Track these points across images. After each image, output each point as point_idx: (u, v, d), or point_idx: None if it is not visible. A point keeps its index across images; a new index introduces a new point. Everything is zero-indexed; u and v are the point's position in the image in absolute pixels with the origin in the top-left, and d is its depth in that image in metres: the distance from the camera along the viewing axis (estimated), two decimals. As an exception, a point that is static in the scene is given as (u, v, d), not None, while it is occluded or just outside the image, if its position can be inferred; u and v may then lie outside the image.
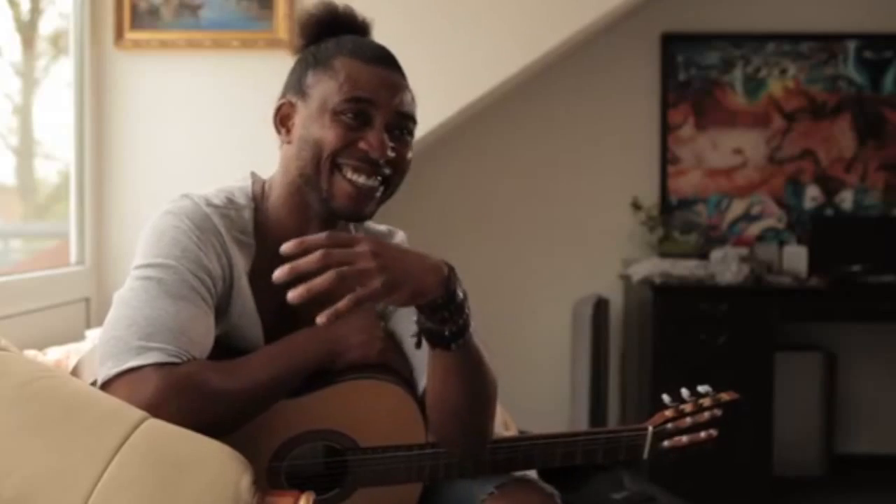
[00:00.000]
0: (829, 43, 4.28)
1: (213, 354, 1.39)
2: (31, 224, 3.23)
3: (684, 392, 1.68)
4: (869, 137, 4.30)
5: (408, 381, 1.51)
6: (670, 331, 3.78)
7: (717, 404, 1.67)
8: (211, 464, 1.25)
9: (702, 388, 1.69)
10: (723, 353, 3.70)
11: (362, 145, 1.43)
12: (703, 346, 3.72)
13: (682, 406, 1.66)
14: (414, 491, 1.51)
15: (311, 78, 1.47)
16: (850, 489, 4.04)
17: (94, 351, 1.46)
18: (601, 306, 4.09)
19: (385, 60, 1.50)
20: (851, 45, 4.28)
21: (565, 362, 4.27)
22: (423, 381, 1.49)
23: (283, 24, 3.06)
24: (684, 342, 3.73)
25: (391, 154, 1.44)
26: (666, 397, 1.67)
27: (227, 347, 1.43)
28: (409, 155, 1.50)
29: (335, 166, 1.43)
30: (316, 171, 1.44)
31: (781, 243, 4.23)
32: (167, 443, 1.25)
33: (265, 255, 1.46)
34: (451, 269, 1.33)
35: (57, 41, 3.20)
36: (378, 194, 1.46)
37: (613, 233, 4.32)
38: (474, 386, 1.41)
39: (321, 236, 1.25)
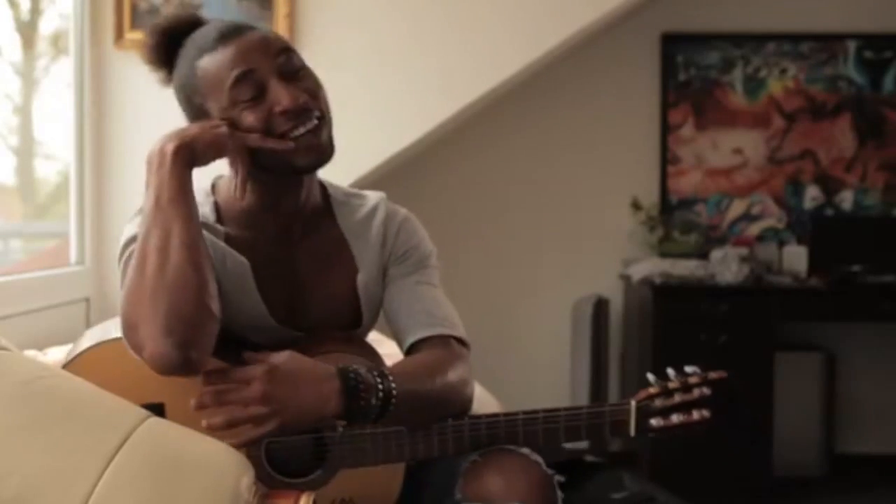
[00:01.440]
0: (829, 43, 4.28)
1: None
2: (31, 224, 3.23)
3: (670, 371, 1.65)
4: (869, 137, 4.30)
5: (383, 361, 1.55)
6: (670, 331, 3.78)
7: (704, 382, 1.64)
8: (211, 464, 1.25)
9: (689, 369, 1.66)
10: (723, 353, 3.69)
11: (277, 109, 1.45)
12: (703, 346, 3.72)
13: (667, 384, 1.63)
14: (398, 471, 1.52)
15: (196, 98, 1.49)
16: (850, 489, 4.03)
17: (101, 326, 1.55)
18: (601, 306, 4.09)
19: (230, 32, 1.50)
20: (851, 45, 4.28)
21: (565, 362, 4.27)
22: (406, 341, 1.57)
23: (283, 24, 3.06)
24: (684, 342, 3.73)
25: (303, 96, 1.47)
26: (650, 376, 1.65)
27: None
28: (317, 80, 1.53)
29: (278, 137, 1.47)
30: (264, 159, 1.48)
31: (781, 243, 4.23)
32: (167, 443, 1.25)
33: (239, 235, 1.54)
34: (345, 372, 1.39)
35: (57, 41, 3.20)
36: (324, 131, 1.51)
37: (613, 233, 4.32)
38: (425, 412, 1.49)
39: (220, 372, 1.37)
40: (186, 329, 1.33)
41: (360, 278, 1.60)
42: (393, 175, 3.93)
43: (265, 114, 1.45)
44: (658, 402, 1.61)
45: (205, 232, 1.45)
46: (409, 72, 3.20)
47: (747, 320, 3.77)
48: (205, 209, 1.53)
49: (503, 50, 3.23)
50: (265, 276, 1.54)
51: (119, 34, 3.06)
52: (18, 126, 3.13)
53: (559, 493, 1.47)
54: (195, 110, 1.50)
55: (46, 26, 3.24)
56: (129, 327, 1.36)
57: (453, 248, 4.32)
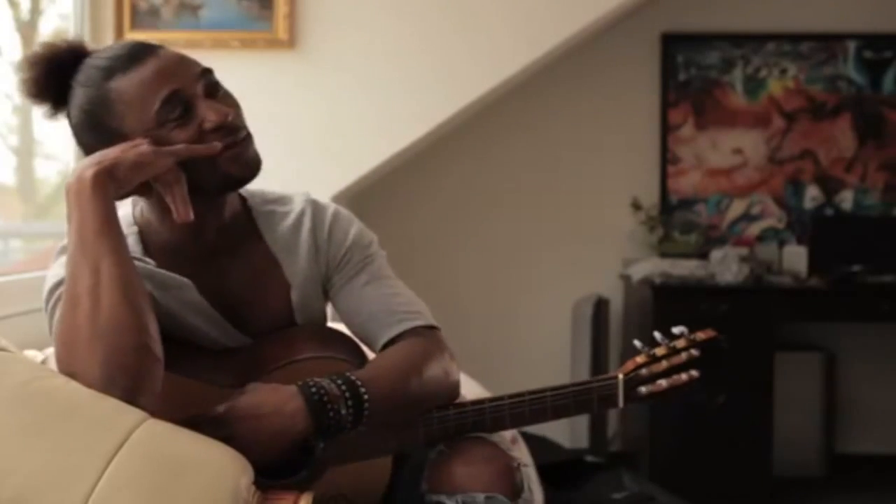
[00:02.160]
0: (829, 43, 4.28)
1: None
2: (31, 224, 3.23)
3: (657, 335, 1.63)
4: (869, 137, 4.30)
5: (342, 353, 1.52)
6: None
7: (693, 345, 1.62)
8: (210, 464, 1.25)
9: (676, 330, 1.65)
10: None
11: (206, 125, 1.40)
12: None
13: (654, 350, 1.62)
14: (385, 464, 1.52)
15: (111, 121, 1.39)
16: (850, 489, 4.04)
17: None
18: (601, 306, 4.09)
19: (142, 51, 1.41)
20: (851, 45, 4.28)
21: (565, 362, 4.27)
22: (377, 344, 1.53)
23: (282, 24, 3.06)
24: (684, 342, 3.72)
25: (230, 111, 1.42)
26: (637, 343, 1.63)
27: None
28: (234, 97, 1.47)
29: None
30: (197, 173, 1.40)
31: (781, 243, 4.23)
32: (167, 443, 1.25)
33: (167, 266, 1.47)
34: (307, 388, 1.37)
35: (57, 41, 3.20)
36: (252, 143, 1.45)
37: (613, 233, 4.32)
38: (407, 410, 1.47)
39: (193, 420, 1.33)
40: (129, 378, 1.26)
41: (294, 295, 1.54)
42: (393, 175, 3.93)
43: (195, 131, 1.39)
44: (645, 371, 1.60)
45: (137, 263, 1.37)
46: (409, 72, 3.20)
47: (747, 320, 3.77)
48: (129, 241, 1.43)
49: (503, 50, 3.23)
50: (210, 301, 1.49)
51: (119, 34, 3.07)
52: (18, 126, 3.13)
53: (524, 481, 1.45)
54: (108, 134, 1.39)
55: (46, 26, 3.24)
56: (65, 377, 1.28)
57: (453, 248, 4.32)
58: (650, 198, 4.29)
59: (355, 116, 3.11)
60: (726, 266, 3.89)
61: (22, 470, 1.18)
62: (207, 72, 1.44)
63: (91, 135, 1.42)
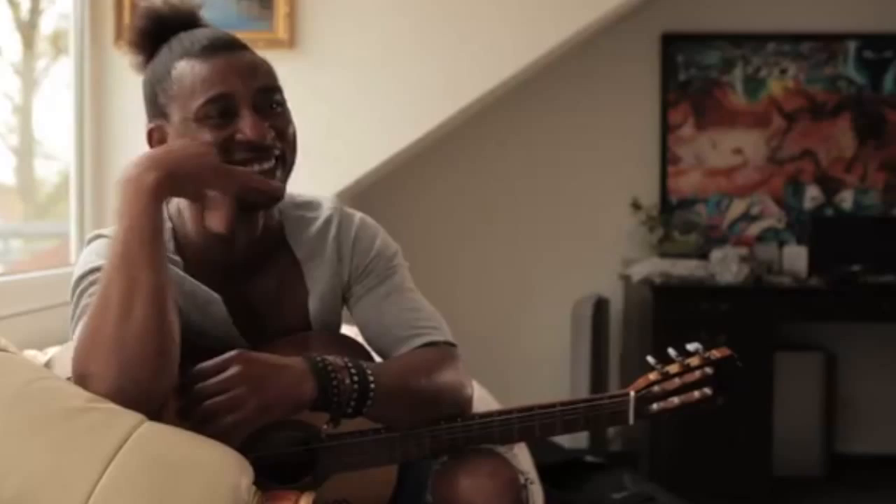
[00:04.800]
0: (829, 43, 4.28)
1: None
2: (31, 224, 3.23)
3: (671, 352, 1.61)
4: (869, 137, 4.30)
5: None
6: (670, 331, 3.78)
7: (707, 363, 1.60)
8: (210, 465, 1.25)
9: (691, 347, 1.62)
10: (723, 353, 3.68)
11: (240, 136, 1.39)
12: (703, 347, 3.71)
13: (667, 368, 1.59)
14: (391, 472, 1.50)
15: (161, 97, 1.43)
16: (850, 489, 4.03)
17: (69, 347, 1.47)
18: (601, 306, 4.09)
19: (221, 46, 1.42)
20: (851, 45, 4.28)
21: (565, 362, 4.27)
22: (392, 356, 1.52)
23: (282, 24, 3.06)
24: (684, 342, 3.71)
25: (270, 133, 1.41)
26: (651, 359, 1.60)
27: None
28: (291, 124, 1.47)
29: None
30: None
31: (781, 243, 4.23)
32: (166, 444, 1.25)
33: (196, 269, 1.47)
34: (314, 361, 1.36)
35: (57, 41, 3.20)
36: (279, 173, 1.44)
37: (613, 233, 4.32)
38: (415, 411, 1.44)
39: (198, 369, 1.31)
40: (139, 391, 1.26)
41: (312, 302, 1.53)
42: (393, 175, 3.93)
43: (225, 137, 1.39)
44: (658, 388, 1.57)
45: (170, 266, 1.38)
46: (409, 72, 3.20)
47: (747, 320, 3.77)
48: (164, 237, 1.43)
49: (503, 50, 3.23)
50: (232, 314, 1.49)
51: (119, 34, 3.06)
52: (18, 126, 3.12)
53: (529, 495, 1.44)
54: (154, 107, 1.44)
55: (46, 26, 3.24)
56: (78, 377, 1.28)
57: (453, 248, 4.32)
58: (650, 198, 4.29)
59: (355, 116, 3.10)
60: (726, 266, 3.89)
61: (22, 470, 1.18)
62: (271, 90, 1.44)
63: (146, 100, 1.45)
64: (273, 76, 1.46)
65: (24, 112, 3.13)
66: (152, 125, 1.46)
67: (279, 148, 1.43)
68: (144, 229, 1.28)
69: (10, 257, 3.17)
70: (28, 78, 3.15)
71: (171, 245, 1.46)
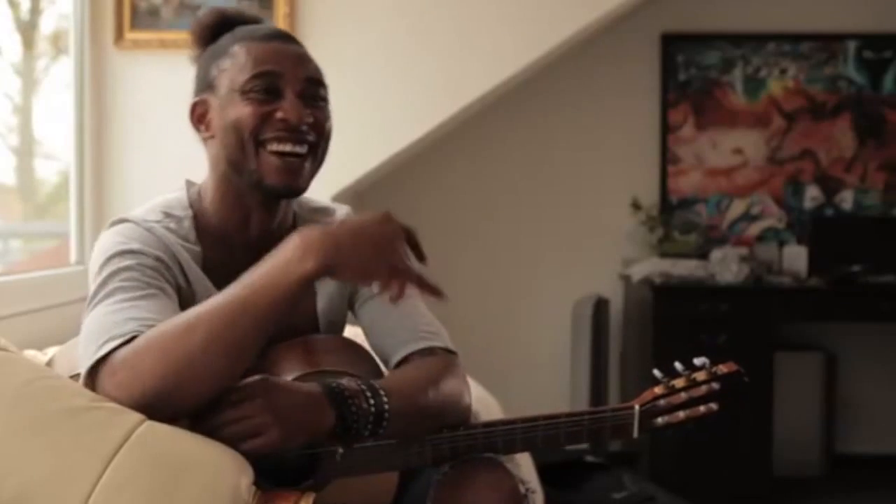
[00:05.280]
0: (829, 43, 4.28)
1: None
2: (31, 224, 3.23)
3: (678, 366, 1.60)
4: (869, 137, 4.30)
5: (367, 371, 1.50)
6: (670, 331, 3.78)
7: (713, 378, 1.59)
8: (210, 464, 1.25)
9: (698, 361, 1.61)
10: (723, 353, 3.65)
11: (279, 115, 1.44)
12: (703, 347, 3.72)
13: (673, 382, 1.58)
14: (391, 480, 1.50)
15: (214, 70, 1.48)
16: (850, 489, 4.04)
17: (71, 345, 1.47)
18: (601, 306, 4.09)
19: (281, 36, 1.51)
20: (851, 45, 4.28)
21: (565, 362, 4.27)
22: (392, 359, 1.52)
23: (283, 24, 3.06)
24: (684, 342, 3.73)
25: (309, 119, 1.46)
26: (657, 373, 1.59)
27: None
28: (329, 121, 1.51)
29: (259, 144, 1.44)
30: (242, 153, 1.44)
31: (781, 243, 4.23)
32: (167, 443, 1.25)
33: (213, 256, 1.49)
34: (332, 389, 1.33)
35: (57, 41, 3.20)
36: (308, 164, 1.48)
37: (613, 233, 4.32)
38: (422, 425, 1.44)
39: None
40: (164, 407, 1.26)
41: (320, 302, 1.56)
42: (392, 175, 3.93)
43: (265, 113, 1.43)
44: (663, 402, 1.57)
45: (184, 256, 1.43)
46: (409, 72, 3.20)
47: (747, 320, 3.78)
48: (184, 224, 1.48)
49: (503, 50, 3.23)
50: None
51: (119, 34, 3.07)
52: (18, 126, 3.13)
53: None
54: (205, 82, 1.49)
55: (46, 26, 3.24)
56: (121, 364, 1.27)
57: (453, 249, 4.32)
58: (650, 198, 4.30)
59: (355, 116, 3.10)
60: (726, 266, 3.89)
61: (22, 470, 1.18)
62: (318, 83, 1.49)
63: (196, 76, 1.51)
64: (322, 74, 1.51)
65: (24, 112, 3.13)
66: (196, 99, 1.51)
67: (314, 137, 1.47)
68: (280, 296, 1.28)
69: (10, 257, 3.17)
70: (28, 78, 3.16)
71: (192, 234, 1.49)
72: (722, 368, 1.62)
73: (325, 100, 1.51)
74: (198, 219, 1.51)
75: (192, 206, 1.52)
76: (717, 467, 3.74)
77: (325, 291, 1.56)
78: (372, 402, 1.35)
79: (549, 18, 3.25)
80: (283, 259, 1.29)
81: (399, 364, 1.52)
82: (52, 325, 2.66)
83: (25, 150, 3.14)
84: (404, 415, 1.39)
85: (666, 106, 4.30)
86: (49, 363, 1.63)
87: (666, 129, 4.31)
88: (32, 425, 1.22)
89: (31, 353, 1.94)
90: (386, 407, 1.36)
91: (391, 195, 4.16)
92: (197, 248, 1.49)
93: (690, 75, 4.30)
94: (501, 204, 4.36)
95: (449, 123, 3.43)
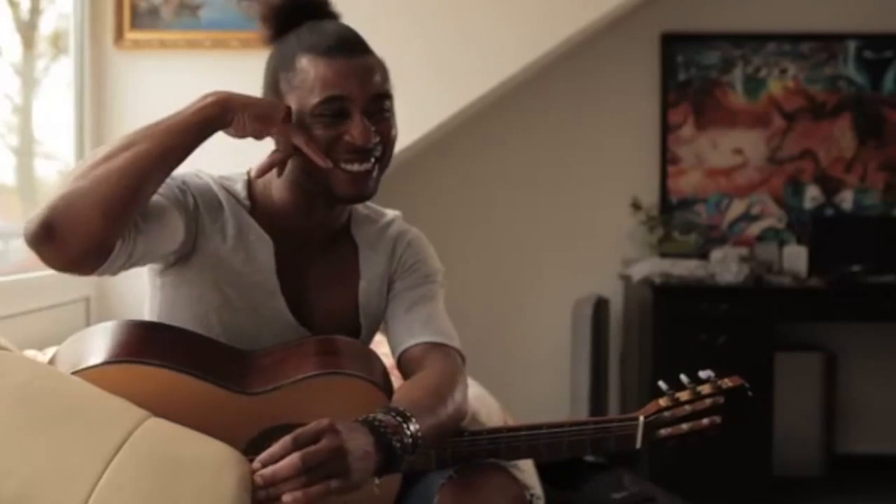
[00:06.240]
0: (829, 43, 4.28)
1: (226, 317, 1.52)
2: (31, 224, 3.22)
3: (683, 378, 1.61)
4: (869, 137, 4.30)
5: (381, 380, 1.51)
6: (670, 331, 3.78)
7: (718, 391, 1.60)
8: (210, 464, 1.25)
9: (703, 374, 1.62)
10: (723, 353, 3.69)
11: (347, 138, 1.48)
12: (703, 346, 3.72)
13: (678, 394, 1.59)
14: (394, 483, 1.50)
15: (283, 83, 1.51)
16: (850, 489, 4.04)
17: (71, 344, 1.47)
18: (601, 306, 4.09)
19: (345, 46, 1.50)
20: (851, 45, 4.28)
21: (565, 362, 4.27)
22: (402, 345, 1.57)
23: (283, 24, 3.05)
24: (684, 342, 3.73)
25: (375, 138, 1.49)
26: (662, 384, 1.60)
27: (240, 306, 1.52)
28: (394, 129, 1.55)
29: None
30: (312, 167, 1.49)
31: (781, 243, 4.23)
32: (167, 443, 1.25)
33: (264, 227, 1.56)
34: (371, 423, 1.30)
35: (57, 41, 3.20)
36: (375, 172, 1.54)
37: (613, 233, 4.32)
38: (439, 438, 1.45)
39: (286, 442, 1.23)
40: (79, 226, 1.29)
41: (362, 286, 1.62)
42: (393, 175, 3.93)
43: (334, 136, 1.47)
44: (668, 414, 1.58)
45: (231, 202, 1.53)
46: (409, 72, 3.19)
47: (747, 320, 3.77)
48: (237, 186, 1.57)
49: (503, 50, 3.23)
50: (279, 275, 1.55)
51: (119, 34, 3.07)
52: (18, 126, 3.13)
53: None
54: (272, 88, 1.52)
55: (46, 26, 3.24)
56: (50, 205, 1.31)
57: (453, 249, 4.32)
58: (650, 198, 4.30)
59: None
60: (726, 266, 3.89)
61: (22, 470, 1.18)
62: (382, 96, 1.51)
63: (265, 81, 1.55)
64: (387, 82, 1.53)
65: (24, 112, 3.13)
66: None
67: (379, 150, 1.52)
68: (179, 122, 1.39)
69: (10, 257, 3.17)
70: (28, 78, 3.16)
71: (243, 193, 1.57)
72: (727, 382, 1.62)
73: (389, 110, 1.53)
74: (253, 196, 1.58)
75: (256, 199, 1.58)
76: (717, 467, 3.74)
77: (368, 276, 1.62)
78: (408, 432, 1.33)
79: (549, 18, 3.25)
80: (189, 104, 1.42)
81: (406, 351, 1.55)
82: (52, 325, 2.66)
83: (25, 150, 3.14)
84: (429, 436, 1.38)
85: (666, 106, 4.30)
86: (49, 363, 1.63)
87: (666, 129, 4.31)
88: (32, 425, 1.22)
89: (31, 353, 1.94)
90: (419, 434, 1.34)
91: (390, 195, 4.15)
92: (248, 204, 1.56)
93: (690, 75, 4.30)
94: (501, 204, 4.36)
95: (448, 123, 3.44)
